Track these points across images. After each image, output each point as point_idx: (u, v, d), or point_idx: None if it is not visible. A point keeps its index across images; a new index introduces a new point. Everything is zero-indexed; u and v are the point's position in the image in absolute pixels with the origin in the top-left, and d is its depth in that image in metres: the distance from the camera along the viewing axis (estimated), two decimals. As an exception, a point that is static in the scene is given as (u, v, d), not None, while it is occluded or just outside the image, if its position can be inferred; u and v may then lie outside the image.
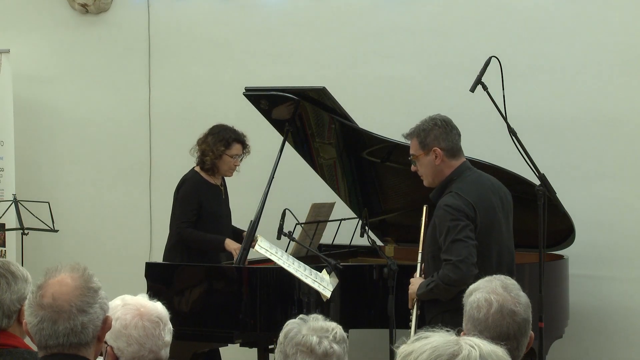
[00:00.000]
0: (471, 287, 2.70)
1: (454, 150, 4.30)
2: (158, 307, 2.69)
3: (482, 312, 2.58)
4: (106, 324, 2.45)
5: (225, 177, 5.58)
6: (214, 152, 5.38)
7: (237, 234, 5.46)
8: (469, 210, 4.13)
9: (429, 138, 4.29)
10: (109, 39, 6.98)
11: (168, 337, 2.66)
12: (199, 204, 5.38)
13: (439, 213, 4.16)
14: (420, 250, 4.36)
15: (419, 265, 4.35)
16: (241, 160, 5.48)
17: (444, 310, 4.14)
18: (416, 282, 4.30)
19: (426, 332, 1.81)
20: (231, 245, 5.23)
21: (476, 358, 1.73)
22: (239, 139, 5.43)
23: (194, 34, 6.76)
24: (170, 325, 2.69)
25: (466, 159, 4.38)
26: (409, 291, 4.33)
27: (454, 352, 1.73)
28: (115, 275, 6.73)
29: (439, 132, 4.28)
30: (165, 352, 2.66)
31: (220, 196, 5.51)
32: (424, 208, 4.43)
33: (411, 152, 4.37)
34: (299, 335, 2.38)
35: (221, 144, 5.39)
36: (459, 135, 4.35)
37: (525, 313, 2.60)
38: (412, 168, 4.39)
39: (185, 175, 5.53)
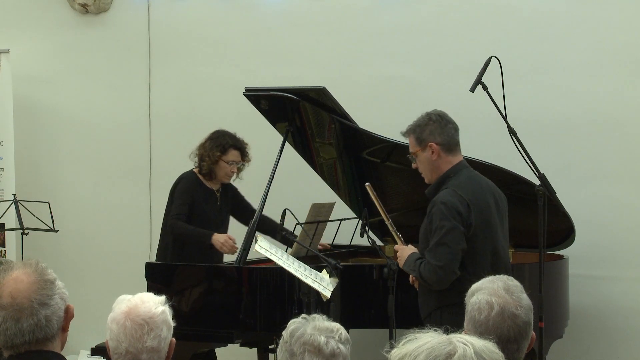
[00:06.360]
0: (473, 286, 2.68)
1: (451, 144, 4.29)
2: (152, 311, 2.56)
3: (483, 314, 2.57)
4: (68, 313, 2.45)
5: (232, 187, 5.59)
6: (210, 157, 5.39)
7: (267, 224, 5.34)
8: (463, 208, 4.12)
9: (425, 133, 4.28)
10: (109, 39, 6.98)
11: (152, 342, 2.52)
12: (192, 202, 5.37)
13: (435, 210, 4.15)
14: (387, 222, 4.42)
15: (394, 234, 4.42)
16: (242, 168, 5.47)
17: (438, 307, 4.16)
18: (404, 251, 4.34)
19: (415, 334, 1.82)
20: (219, 238, 5.19)
21: (472, 355, 1.74)
22: (236, 145, 5.42)
23: (194, 34, 6.76)
24: (160, 332, 2.55)
25: (465, 159, 4.38)
26: (397, 255, 4.38)
27: (450, 352, 1.74)
28: (115, 275, 6.77)
29: (434, 127, 4.27)
30: (150, 357, 2.53)
31: (214, 201, 5.50)
32: (367, 187, 4.49)
33: (410, 149, 4.37)
34: (306, 334, 2.38)
35: (217, 149, 5.39)
36: (456, 129, 4.33)
37: (527, 316, 2.58)
38: (413, 166, 4.39)
39: (182, 174, 5.54)
